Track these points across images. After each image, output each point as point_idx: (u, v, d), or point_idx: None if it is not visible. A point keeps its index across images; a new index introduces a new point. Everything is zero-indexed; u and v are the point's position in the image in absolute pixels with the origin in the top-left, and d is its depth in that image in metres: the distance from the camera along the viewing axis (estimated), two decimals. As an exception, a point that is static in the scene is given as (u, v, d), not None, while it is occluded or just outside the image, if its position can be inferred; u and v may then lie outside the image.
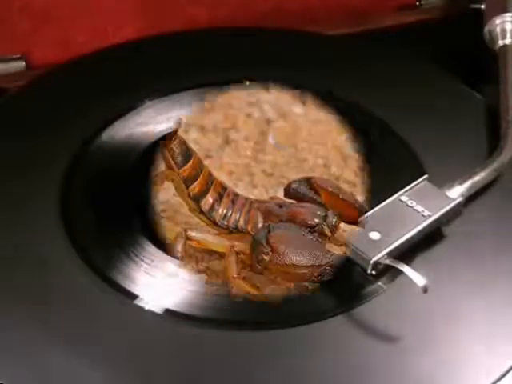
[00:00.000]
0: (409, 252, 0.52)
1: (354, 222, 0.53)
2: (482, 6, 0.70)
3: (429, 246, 0.53)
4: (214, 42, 0.70)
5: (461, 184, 0.55)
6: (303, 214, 0.51)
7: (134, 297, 0.50)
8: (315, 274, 0.48)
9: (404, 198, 0.54)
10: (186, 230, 0.50)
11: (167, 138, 0.51)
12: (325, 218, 0.51)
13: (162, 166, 0.55)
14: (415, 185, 0.55)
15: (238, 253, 0.50)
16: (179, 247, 0.49)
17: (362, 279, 0.51)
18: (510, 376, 0.47)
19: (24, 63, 0.72)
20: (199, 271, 0.52)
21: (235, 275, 0.49)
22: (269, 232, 0.49)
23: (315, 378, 0.46)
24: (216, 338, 0.48)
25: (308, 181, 0.53)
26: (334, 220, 0.51)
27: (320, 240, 0.50)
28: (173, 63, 0.68)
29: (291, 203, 0.53)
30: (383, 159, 0.60)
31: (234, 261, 0.49)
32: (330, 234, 0.51)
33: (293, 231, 0.50)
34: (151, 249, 0.53)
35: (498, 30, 0.68)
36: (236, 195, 0.53)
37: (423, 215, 0.53)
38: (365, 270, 0.50)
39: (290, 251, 0.48)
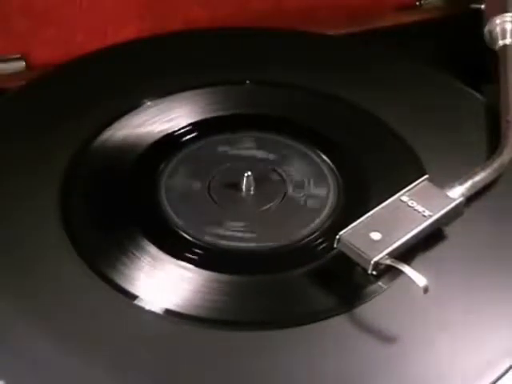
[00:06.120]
0: (409, 252, 0.52)
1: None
2: (482, 6, 0.70)
3: (429, 246, 0.53)
4: (214, 42, 0.70)
5: (461, 184, 0.55)
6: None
7: (134, 297, 0.50)
8: None
9: (405, 198, 0.54)
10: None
11: None
12: None
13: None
14: (416, 185, 0.55)
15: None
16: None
17: (362, 279, 0.51)
18: (509, 376, 0.47)
19: (24, 63, 0.72)
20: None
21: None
22: None
23: (315, 378, 0.46)
24: (216, 338, 0.48)
25: None
26: None
27: None
28: (173, 63, 0.68)
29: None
30: (383, 159, 0.60)
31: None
32: None
33: None
34: (151, 249, 0.53)
35: (498, 29, 0.68)
36: None
37: (424, 215, 0.53)
38: (365, 270, 0.50)
39: None
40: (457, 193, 0.54)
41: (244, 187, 0.57)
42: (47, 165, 0.58)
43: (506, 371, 0.47)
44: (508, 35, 0.67)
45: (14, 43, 0.71)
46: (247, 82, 0.66)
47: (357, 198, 0.57)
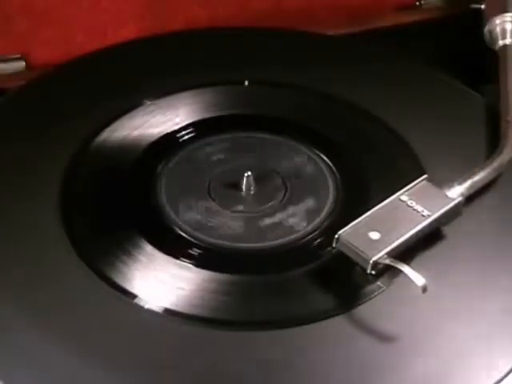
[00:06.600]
0: (408, 252, 0.52)
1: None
2: (482, 6, 0.70)
3: (428, 246, 0.53)
4: (213, 42, 0.70)
5: (461, 184, 0.55)
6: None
7: (134, 296, 0.50)
8: None
9: (404, 198, 0.54)
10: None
11: None
12: None
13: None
14: (415, 184, 0.55)
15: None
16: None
17: (361, 279, 0.51)
18: (510, 377, 0.47)
19: (24, 63, 0.72)
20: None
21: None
22: None
23: (315, 378, 0.46)
24: (215, 338, 0.48)
25: None
26: None
27: None
28: (173, 63, 0.68)
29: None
30: (383, 159, 0.60)
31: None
32: None
33: None
34: (151, 249, 0.53)
35: (498, 29, 0.68)
36: None
37: (423, 215, 0.53)
38: (364, 270, 0.50)
39: None
40: (456, 192, 0.54)
41: (244, 187, 0.57)
42: (47, 165, 0.58)
43: (507, 373, 0.47)
44: (508, 35, 0.67)
45: (14, 43, 0.71)
46: (246, 83, 0.66)
47: (356, 198, 0.57)
